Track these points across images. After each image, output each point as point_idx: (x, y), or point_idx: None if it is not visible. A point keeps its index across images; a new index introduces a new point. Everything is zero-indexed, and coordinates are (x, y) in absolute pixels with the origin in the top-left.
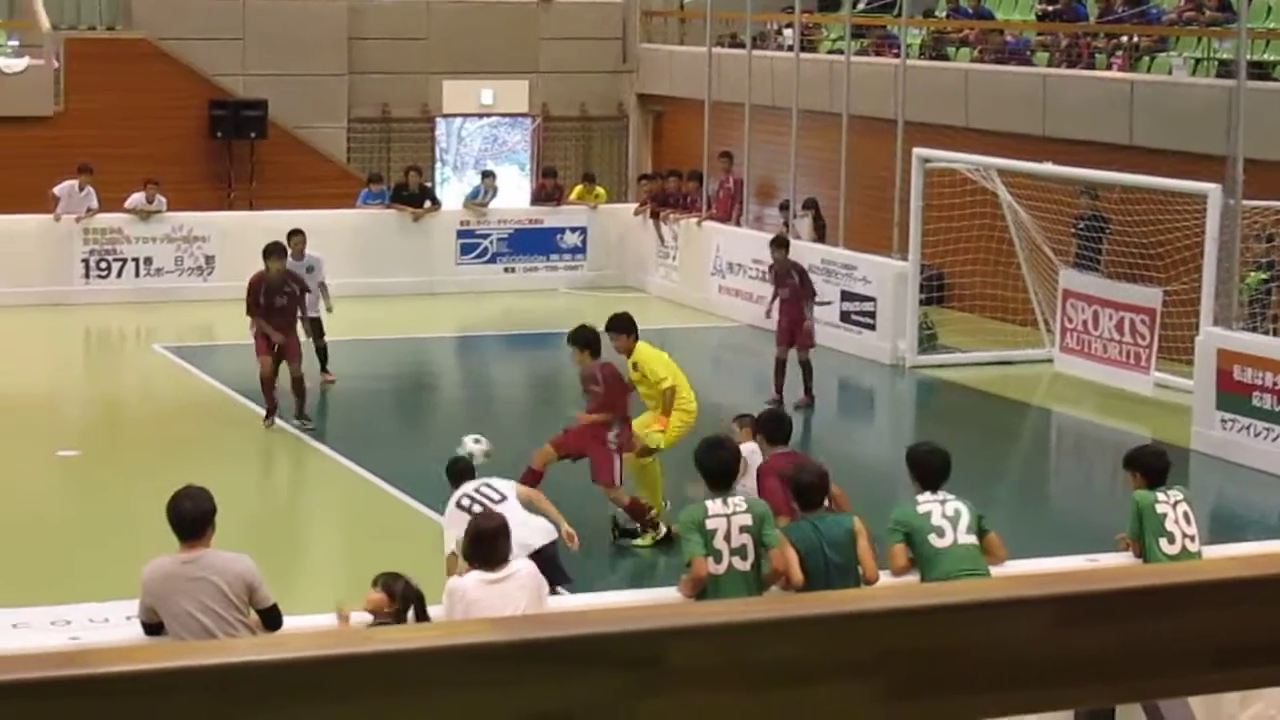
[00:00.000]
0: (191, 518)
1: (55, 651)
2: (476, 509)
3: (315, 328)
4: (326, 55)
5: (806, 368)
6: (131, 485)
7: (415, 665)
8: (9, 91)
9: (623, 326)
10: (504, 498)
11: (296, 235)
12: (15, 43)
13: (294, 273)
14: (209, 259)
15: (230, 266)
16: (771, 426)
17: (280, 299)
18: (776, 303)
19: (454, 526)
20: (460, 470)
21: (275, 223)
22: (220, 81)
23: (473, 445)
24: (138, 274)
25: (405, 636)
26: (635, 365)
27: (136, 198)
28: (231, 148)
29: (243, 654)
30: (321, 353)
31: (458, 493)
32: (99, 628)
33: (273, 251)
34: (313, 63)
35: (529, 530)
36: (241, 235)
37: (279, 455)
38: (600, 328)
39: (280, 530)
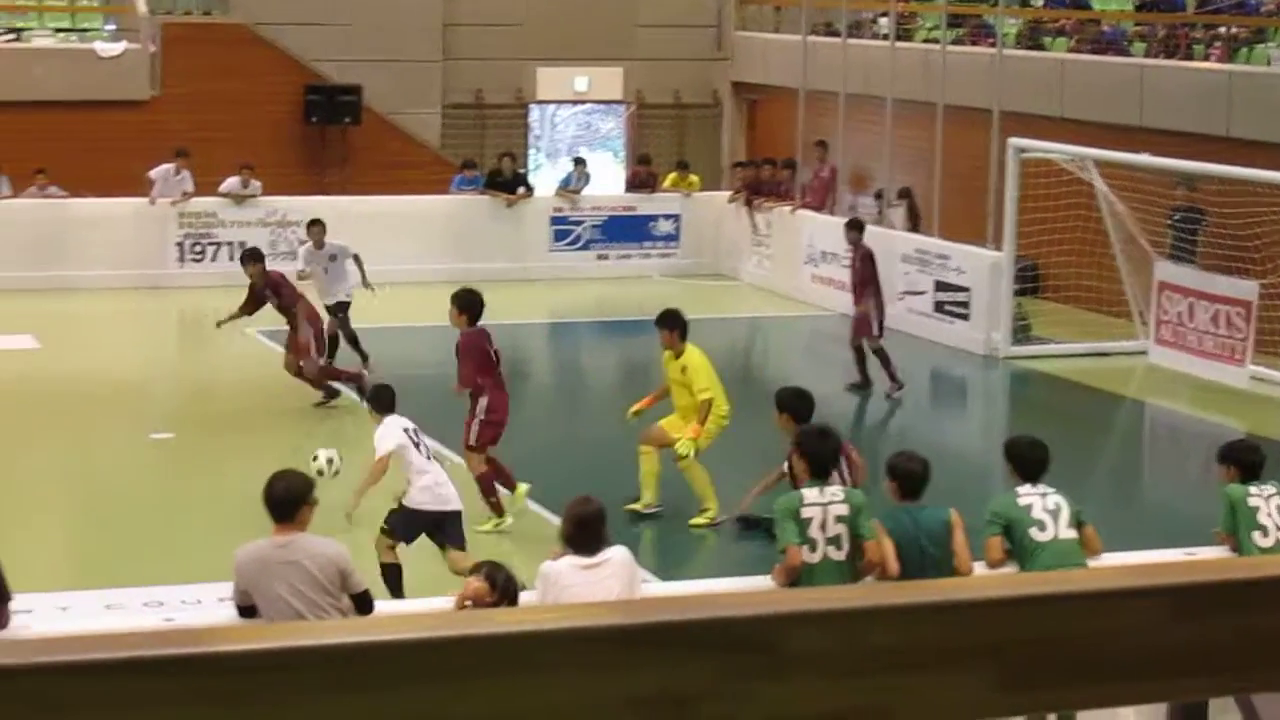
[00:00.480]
0: (285, 500)
1: (178, 629)
2: (423, 449)
3: (337, 311)
4: (421, 41)
5: (880, 356)
6: (224, 468)
7: (535, 647)
8: (106, 75)
9: (671, 323)
10: (438, 463)
11: (315, 225)
12: (112, 26)
13: (276, 280)
14: (303, 243)
15: None
16: (796, 404)
17: (272, 301)
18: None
19: (390, 438)
20: (389, 399)
21: (369, 208)
22: (315, 67)
23: (324, 462)
24: (232, 258)
25: (525, 619)
26: (684, 369)
27: (231, 182)
28: (326, 133)
29: (360, 634)
30: (334, 341)
31: (400, 420)
32: (192, 609)
33: (245, 259)
34: (407, 49)
35: (451, 493)
36: (335, 220)
37: (371, 440)
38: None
39: (372, 514)
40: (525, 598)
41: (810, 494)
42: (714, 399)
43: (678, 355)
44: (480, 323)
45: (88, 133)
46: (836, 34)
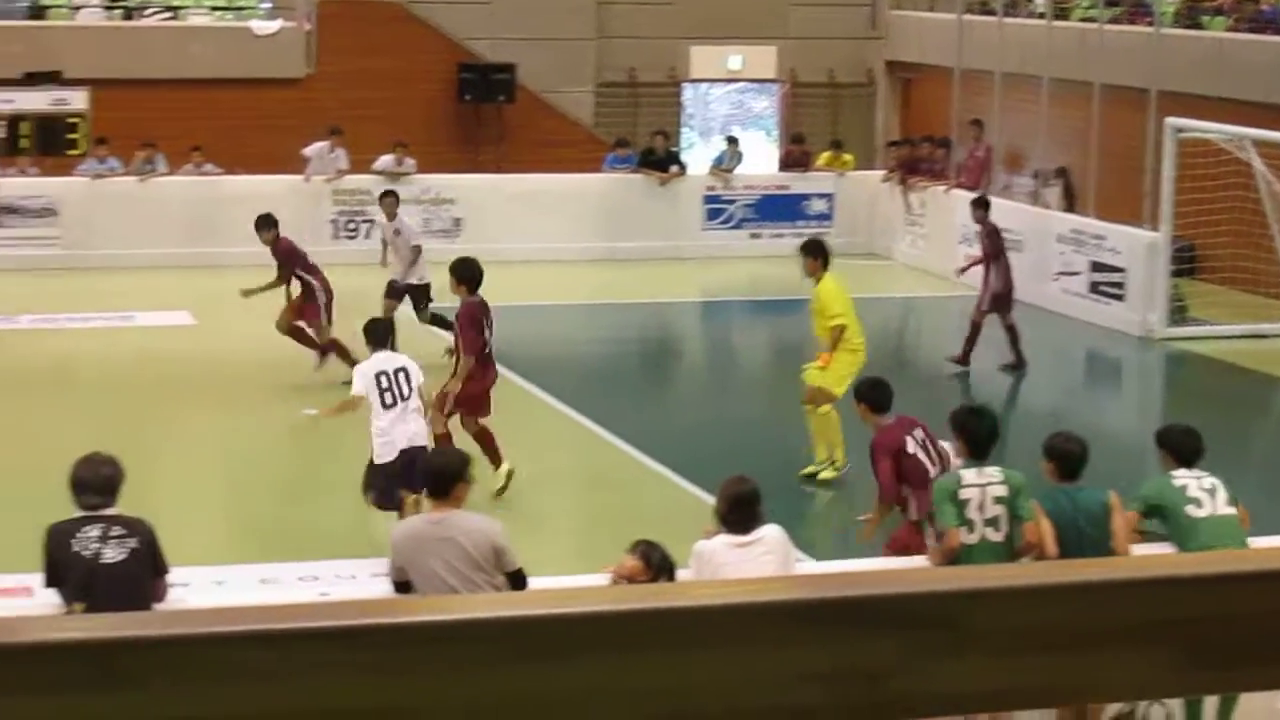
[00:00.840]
0: (441, 477)
1: (350, 602)
2: (388, 397)
3: (415, 294)
4: (574, 19)
5: (973, 329)
6: None
7: (711, 621)
8: (262, 53)
9: (814, 251)
10: (410, 394)
11: (388, 196)
12: (268, 4)
13: (287, 247)
14: (456, 221)
15: (477, 229)
16: (873, 395)
17: (284, 270)
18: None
19: (361, 381)
20: (382, 332)
21: (522, 186)
22: (469, 45)
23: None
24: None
25: (704, 593)
26: (817, 295)
27: (386, 160)
28: (479, 111)
29: (532, 607)
30: (440, 320)
31: (379, 362)
32: (346, 584)
33: (258, 224)
34: (561, 27)
35: (417, 430)
36: (489, 198)
37: (520, 414)
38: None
39: (521, 488)
40: (680, 576)
41: (968, 475)
42: (846, 326)
43: (817, 283)
44: (480, 292)
45: (243, 110)
46: (992, 13)
